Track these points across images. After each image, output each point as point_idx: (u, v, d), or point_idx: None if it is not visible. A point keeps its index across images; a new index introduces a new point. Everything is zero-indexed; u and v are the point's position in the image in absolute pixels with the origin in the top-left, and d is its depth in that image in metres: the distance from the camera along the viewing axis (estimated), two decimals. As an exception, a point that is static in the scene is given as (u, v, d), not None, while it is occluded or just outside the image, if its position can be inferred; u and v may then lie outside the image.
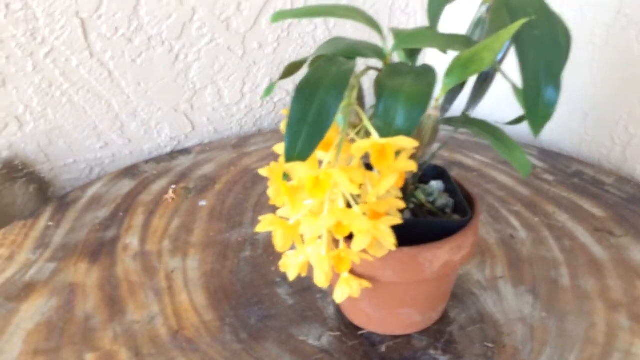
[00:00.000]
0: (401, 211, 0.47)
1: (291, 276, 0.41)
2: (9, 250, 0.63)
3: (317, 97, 0.36)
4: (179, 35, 0.78)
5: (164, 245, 0.63)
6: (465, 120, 0.46)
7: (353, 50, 0.41)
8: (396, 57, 0.45)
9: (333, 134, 0.39)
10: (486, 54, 0.35)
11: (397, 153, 0.38)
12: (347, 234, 0.37)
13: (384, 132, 0.37)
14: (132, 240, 0.64)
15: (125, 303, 0.55)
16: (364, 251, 0.42)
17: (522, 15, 0.38)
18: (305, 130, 0.36)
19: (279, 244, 0.38)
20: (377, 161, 0.36)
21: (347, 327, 0.51)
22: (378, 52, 0.42)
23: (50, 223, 0.68)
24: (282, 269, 0.42)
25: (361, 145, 0.35)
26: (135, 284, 0.57)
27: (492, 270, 0.57)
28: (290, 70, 0.41)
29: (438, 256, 0.43)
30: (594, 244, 0.60)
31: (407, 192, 0.48)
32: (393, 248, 0.41)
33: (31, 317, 0.53)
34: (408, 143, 0.35)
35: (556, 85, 0.38)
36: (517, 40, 0.37)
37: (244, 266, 0.59)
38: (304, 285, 0.56)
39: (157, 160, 0.82)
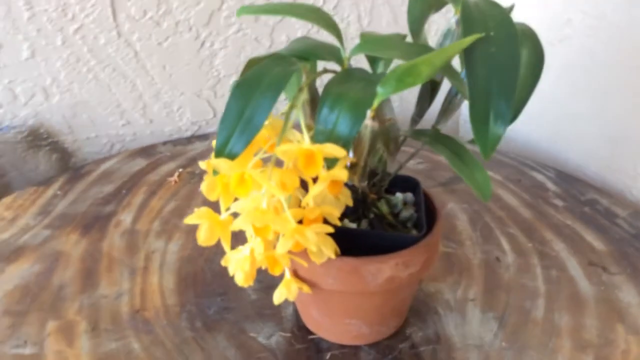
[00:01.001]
0: (358, 220, 0.47)
1: (231, 271, 0.42)
2: (14, 213, 0.67)
3: (254, 96, 0.36)
4: (206, 23, 0.80)
5: (153, 226, 0.65)
6: (432, 135, 0.44)
7: (309, 52, 0.40)
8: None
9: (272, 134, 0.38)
10: (424, 68, 0.34)
11: (334, 161, 0.37)
12: (268, 235, 0.37)
13: (323, 138, 0.37)
14: (125, 218, 0.66)
15: (100, 277, 0.57)
16: (305, 256, 0.41)
17: (480, 29, 0.36)
18: (239, 128, 0.36)
19: (201, 237, 0.38)
20: (304, 167, 0.35)
21: (299, 330, 0.50)
22: (336, 56, 0.41)
23: (59, 192, 0.71)
24: (223, 264, 0.42)
25: (286, 149, 0.35)
26: (114, 260, 0.59)
27: (465, 291, 0.55)
28: (251, 66, 0.41)
29: (382, 270, 0.42)
30: (583, 278, 0.56)
31: (367, 201, 0.47)
32: (332, 256, 0.41)
33: (12, 279, 0.56)
34: (336, 151, 0.35)
35: (507, 106, 0.36)
36: (469, 55, 0.36)
37: (221, 256, 0.60)
38: (272, 283, 0.56)
39: (175, 142, 0.84)
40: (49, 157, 0.82)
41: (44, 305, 0.53)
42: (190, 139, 0.85)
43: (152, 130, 0.86)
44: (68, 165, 0.84)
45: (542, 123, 0.86)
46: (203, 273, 0.57)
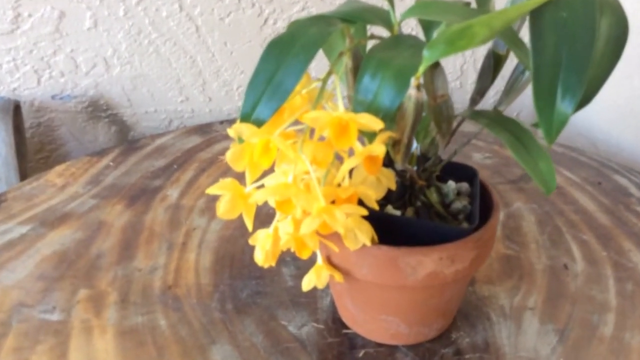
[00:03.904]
0: (404, 208, 0.42)
1: (256, 250, 0.38)
2: (65, 180, 0.67)
3: (286, 59, 0.33)
4: (270, -1, 0.77)
5: (198, 203, 0.63)
6: (492, 117, 0.39)
7: (355, 14, 0.36)
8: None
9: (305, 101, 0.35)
10: (480, 30, 0.29)
11: (372, 135, 0.33)
12: (290, 211, 0.33)
13: (362, 109, 0.33)
14: (172, 193, 0.65)
15: (137, 250, 0.55)
16: (338, 241, 0.38)
17: (550, -9, 0.31)
18: (267, 93, 0.33)
19: (221, 209, 0.34)
20: (336, 138, 0.31)
21: (334, 323, 0.47)
22: (386, 20, 0.36)
23: (111, 163, 0.71)
24: (251, 242, 0.39)
25: (316, 117, 0.31)
26: (155, 234, 0.57)
27: (524, 298, 0.49)
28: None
29: (423, 263, 0.38)
30: (663, 295, 0.49)
31: (414, 187, 0.42)
32: (368, 243, 0.37)
33: (52, 244, 0.56)
34: (372, 123, 0.31)
35: (578, 81, 0.31)
36: (535, 20, 0.31)
37: (262, 238, 0.57)
38: (311, 270, 0.52)
39: (232, 122, 0.82)
40: (108, 129, 0.82)
41: (78, 273, 0.52)
42: (249, 119, 0.83)
43: (211, 108, 0.84)
44: (127, 138, 0.84)
45: (629, 121, 0.77)
46: (242, 254, 0.55)
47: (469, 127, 0.51)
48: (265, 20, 0.79)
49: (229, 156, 0.35)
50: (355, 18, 0.36)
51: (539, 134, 0.32)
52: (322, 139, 0.34)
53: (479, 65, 0.91)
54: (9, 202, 0.62)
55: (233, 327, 0.46)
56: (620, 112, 0.78)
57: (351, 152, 0.34)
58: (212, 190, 0.35)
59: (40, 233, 0.57)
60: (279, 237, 0.35)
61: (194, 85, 0.82)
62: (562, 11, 0.31)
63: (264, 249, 0.35)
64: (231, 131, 0.35)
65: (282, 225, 0.36)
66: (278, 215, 0.36)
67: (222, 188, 0.35)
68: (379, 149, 0.32)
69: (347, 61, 0.36)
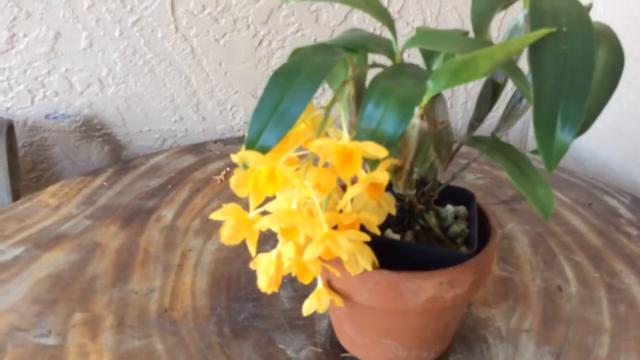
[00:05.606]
0: (403, 232, 0.43)
1: (259, 276, 0.38)
2: (59, 201, 0.66)
3: (291, 87, 0.33)
4: (265, 21, 0.78)
5: (193, 224, 0.63)
6: (490, 143, 0.40)
7: (358, 42, 0.37)
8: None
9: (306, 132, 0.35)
10: (483, 62, 0.30)
11: (375, 162, 0.34)
12: (295, 237, 0.33)
13: (366, 136, 0.33)
14: (167, 213, 0.65)
15: (133, 272, 0.55)
16: (339, 266, 0.38)
17: (551, 23, 0.32)
18: (273, 120, 0.33)
19: (225, 234, 0.35)
20: (340, 166, 0.32)
21: (332, 346, 0.47)
22: (388, 49, 0.37)
23: (105, 183, 0.70)
24: (252, 266, 0.39)
25: (321, 145, 0.31)
26: (150, 256, 0.57)
27: (520, 321, 0.49)
28: (295, 55, 0.38)
29: (423, 288, 0.38)
30: (656, 317, 0.50)
31: (413, 212, 0.42)
32: (369, 268, 0.37)
33: (46, 267, 0.55)
34: (376, 151, 0.31)
35: (577, 110, 0.31)
36: (536, 52, 0.31)
37: (258, 260, 0.57)
38: (308, 292, 0.52)
39: (226, 142, 0.82)
40: (101, 149, 0.81)
41: (73, 296, 0.52)
42: (242, 139, 0.83)
43: (205, 127, 0.85)
44: (120, 158, 0.83)
45: (618, 142, 0.79)
46: (238, 276, 0.55)
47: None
48: (260, 42, 0.79)
49: (233, 182, 0.35)
50: (358, 47, 0.37)
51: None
52: (326, 165, 0.34)
53: (469, 86, 0.92)
54: (1, 223, 0.62)
55: (230, 352, 0.46)
56: (608, 134, 0.80)
57: (354, 178, 0.34)
58: (216, 216, 0.35)
59: (34, 255, 0.57)
60: (282, 263, 0.35)
61: (188, 105, 0.82)
62: (562, 44, 0.31)
63: (267, 274, 0.35)
64: (236, 157, 0.36)
65: (285, 251, 0.37)
66: (281, 241, 0.36)
67: (225, 214, 0.35)
68: (382, 176, 0.33)
69: (349, 89, 0.37)
